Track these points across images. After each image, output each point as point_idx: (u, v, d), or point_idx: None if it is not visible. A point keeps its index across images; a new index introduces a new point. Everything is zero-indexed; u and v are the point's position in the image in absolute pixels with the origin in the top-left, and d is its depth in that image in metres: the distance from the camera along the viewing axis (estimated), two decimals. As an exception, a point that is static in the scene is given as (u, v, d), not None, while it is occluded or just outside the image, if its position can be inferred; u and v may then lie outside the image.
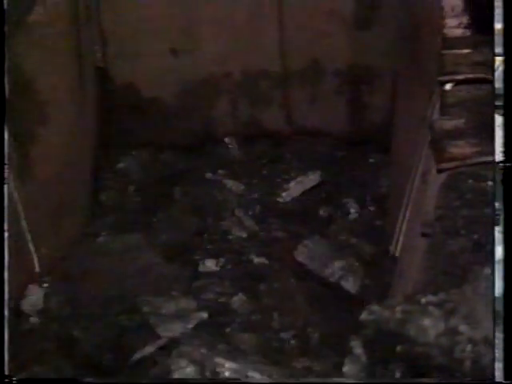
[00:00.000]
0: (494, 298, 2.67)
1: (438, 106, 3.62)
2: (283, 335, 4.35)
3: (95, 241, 5.23)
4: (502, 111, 3.08)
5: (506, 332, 2.64)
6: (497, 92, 3.20)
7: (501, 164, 2.97)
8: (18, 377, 3.27)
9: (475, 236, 2.97)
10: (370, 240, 5.20)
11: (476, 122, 3.32)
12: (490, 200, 3.06)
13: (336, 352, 3.97)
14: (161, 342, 4.20)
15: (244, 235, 5.37)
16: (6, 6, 3.62)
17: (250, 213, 5.60)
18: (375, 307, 2.80)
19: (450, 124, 3.35)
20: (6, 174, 3.43)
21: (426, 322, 2.64)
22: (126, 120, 6.12)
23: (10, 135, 4.31)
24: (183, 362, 3.66)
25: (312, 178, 5.93)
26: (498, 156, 3.02)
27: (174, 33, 6.00)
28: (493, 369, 2.53)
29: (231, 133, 6.28)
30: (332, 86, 6.13)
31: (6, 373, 3.11)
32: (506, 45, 3.13)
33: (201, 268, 5.01)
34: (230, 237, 5.36)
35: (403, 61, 5.38)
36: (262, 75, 6.13)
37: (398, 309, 2.74)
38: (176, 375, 3.58)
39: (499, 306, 2.69)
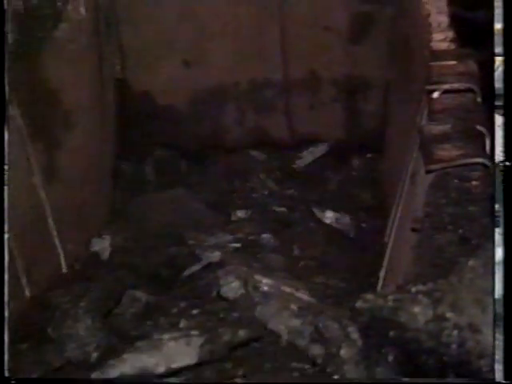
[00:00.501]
0: (494, 300, 2.60)
1: (426, 112, 3.61)
2: (305, 260, 4.87)
3: (148, 195, 5.73)
4: (501, 111, 2.97)
5: (506, 333, 2.58)
6: (497, 92, 3.06)
7: (501, 164, 2.91)
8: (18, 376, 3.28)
9: (460, 231, 2.97)
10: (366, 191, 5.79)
11: (461, 127, 3.31)
12: (474, 198, 3.06)
13: (344, 272, 4.64)
14: (204, 263, 4.71)
15: (266, 193, 5.84)
16: (5, 6, 3.53)
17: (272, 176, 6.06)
18: (370, 296, 2.80)
19: (437, 129, 3.34)
20: (5, 175, 3.32)
21: (416, 309, 2.64)
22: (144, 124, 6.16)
23: (37, 141, 4.33)
24: (230, 278, 4.27)
25: (321, 149, 6.29)
26: (498, 156, 2.95)
27: (186, 46, 6.00)
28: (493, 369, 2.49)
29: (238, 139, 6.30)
30: (329, 95, 6.13)
31: (6, 374, 3.03)
32: (505, 45, 3.01)
33: (233, 217, 5.49)
34: (255, 195, 5.83)
35: (394, 71, 5.38)
36: (266, 84, 6.14)
37: (391, 297, 2.74)
38: (224, 289, 4.19)
39: (499, 308, 2.62)
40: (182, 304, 4.29)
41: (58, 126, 4.59)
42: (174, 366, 3.67)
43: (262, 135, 6.29)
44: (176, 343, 3.77)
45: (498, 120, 3.03)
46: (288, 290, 4.17)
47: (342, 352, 2.81)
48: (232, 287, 4.23)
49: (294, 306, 3.96)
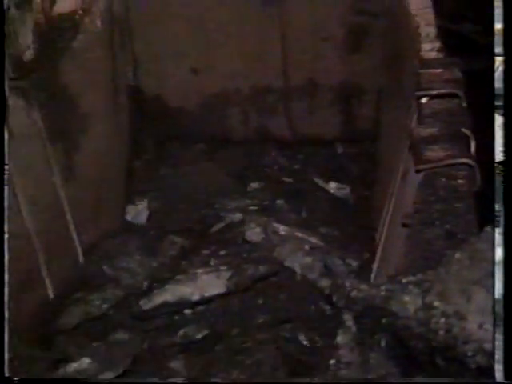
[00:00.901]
0: (495, 300, 2.55)
1: (415, 116, 3.62)
2: (311, 219, 5.24)
3: (179, 168, 5.99)
4: (501, 111, 2.86)
5: (506, 333, 2.51)
6: (497, 92, 2.92)
7: (501, 164, 2.82)
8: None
9: (447, 226, 2.98)
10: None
11: (447, 130, 3.32)
12: (460, 196, 3.06)
13: (346, 227, 5.10)
14: (227, 221, 5.17)
15: (276, 167, 6.12)
16: (5, 6, 3.49)
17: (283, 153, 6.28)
18: (364, 286, 2.82)
19: (425, 132, 3.35)
20: (6, 175, 3.24)
21: (407, 298, 2.65)
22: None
23: (57, 143, 4.35)
24: (253, 225, 4.91)
25: None
26: (498, 156, 2.88)
27: (194, 55, 6.01)
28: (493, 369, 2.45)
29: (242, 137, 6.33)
30: (326, 100, 6.15)
31: (6, 374, 2.86)
32: (505, 45, 2.87)
33: (248, 188, 5.75)
34: (268, 170, 6.11)
35: (387, 78, 5.38)
36: (267, 90, 6.16)
37: (383, 288, 2.75)
38: (248, 234, 4.85)
39: (499, 308, 2.54)
40: (212, 247, 4.82)
41: (75, 129, 4.61)
42: (207, 294, 4.24)
43: (264, 134, 6.32)
44: (208, 276, 4.34)
45: (498, 120, 2.92)
46: (300, 234, 4.78)
47: (338, 338, 2.83)
48: (254, 232, 4.83)
49: (306, 247, 4.60)
